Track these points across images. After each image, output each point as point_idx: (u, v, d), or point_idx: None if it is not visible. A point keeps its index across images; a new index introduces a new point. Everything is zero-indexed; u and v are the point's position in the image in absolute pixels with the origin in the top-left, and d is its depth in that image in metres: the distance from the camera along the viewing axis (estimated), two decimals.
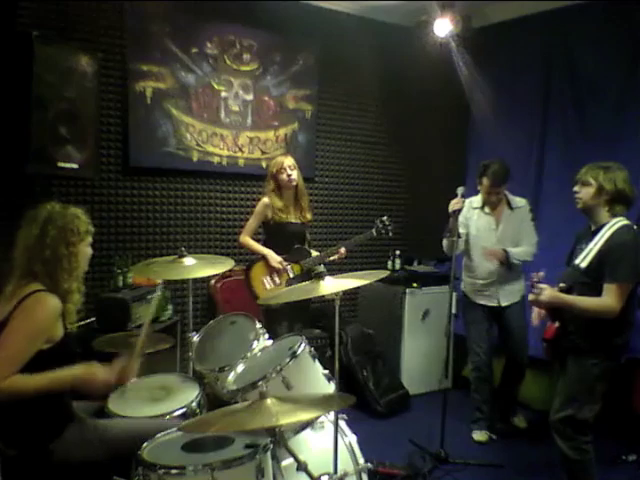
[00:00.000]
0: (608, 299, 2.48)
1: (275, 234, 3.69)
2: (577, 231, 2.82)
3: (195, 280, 3.03)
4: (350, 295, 4.91)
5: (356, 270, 2.93)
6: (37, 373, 1.96)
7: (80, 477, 2.07)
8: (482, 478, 3.30)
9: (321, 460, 2.25)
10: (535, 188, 4.42)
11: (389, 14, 4.79)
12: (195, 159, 4.24)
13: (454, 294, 3.51)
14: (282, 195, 3.67)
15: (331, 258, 3.70)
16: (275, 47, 4.49)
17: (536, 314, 2.82)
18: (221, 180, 4.40)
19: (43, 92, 3.02)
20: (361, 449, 2.47)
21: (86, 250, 2.22)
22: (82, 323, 2.32)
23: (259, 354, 2.56)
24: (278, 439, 1.89)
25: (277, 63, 4.52)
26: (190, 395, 2.49)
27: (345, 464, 2.33)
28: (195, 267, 2.83)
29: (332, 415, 2.37)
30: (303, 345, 2.30)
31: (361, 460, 2.42)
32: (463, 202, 3.51)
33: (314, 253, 3.73)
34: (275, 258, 3.61)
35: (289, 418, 1.72)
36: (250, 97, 4.43)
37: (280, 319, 3.56)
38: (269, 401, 1.76)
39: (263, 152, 4.52)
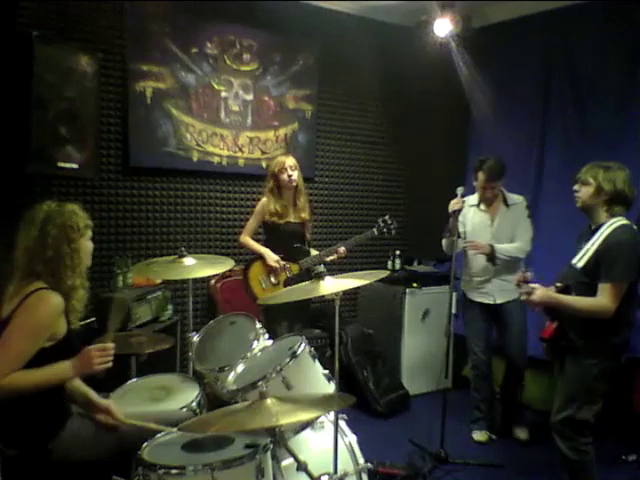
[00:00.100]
0: (603, 299, 2.48)
1: (274, 234, 3.69)
2: (577, 231, 2.82)
3: (195, 280, 3.04)
4: (350, 295, 4.91)
5: (356, 270, 2.93)
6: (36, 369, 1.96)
7: (80, 476, 2.07)
8: (482, 478, 3.30)
9: (321, 460, 2.25)
10: (535, 188, 4.41)
11: (389, 14, 4.79)
12: (195, 159, 4.24)
13: (454, 294, 3.50)
14: (282, 195, 3.67)
15: (330, 258, 3.69)
16: (275, 47, 4.49)
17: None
18: (221, 180, 4.40)
19: (43, 92, 3.02)
20: (361, 449, 2.47)
21: (87, 244, 2.22)
22: (82, 323, 2.31)
23: (259, 354, 2.56)
24: (278, 439, 1.89)
25: (277, 63, 4.52)
26: (190, 395, 2.49)
27: (345, 464, 2.34)
28: (195, 267, 2.83)
29: (332, 415, 2.37)
30: (303, 345, 2.30)
31: (361, 460, 2.42)
32: (463, 202, 3.51)
33: (313, 252, 3.73)
34: (272, 257, 3.61)
35: (289, 418, 1.72)
36: (250, 97, 4.43)
37: (280, 319, 3.56)
38: (269, 401, 1.76)
39: (263, 152, 4.52)
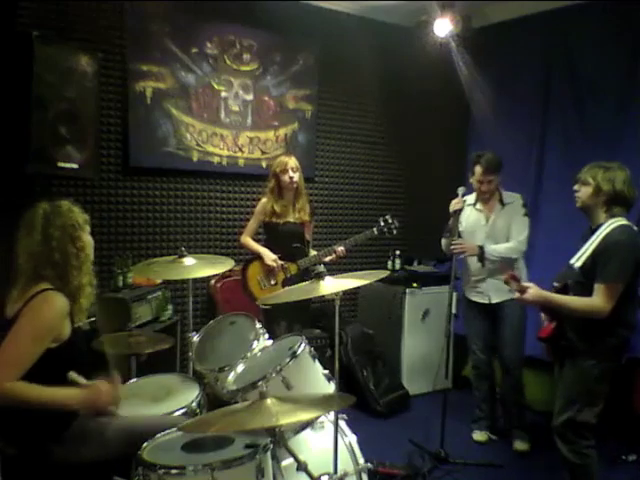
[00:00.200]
0: (596, 299, 2.47)
1: (274, 234, 3.69)
2: (578, 231, 2.81)
3: (195, 280, 3.03)
4: (350, 295, 4.91)
5: (356, 270, 2.93)
6: (42, 382, 1.94)
7: (80, 477, 2.07)
8: (482, 478, 3.29)
9: (321, 460, 2.25)
10: (535, 188, 4.41)
11: (389, 14, 4.79)
12: (195, 159, 4.24)
13: (454, 294, 3.50)
14: (282, 195, 3.67)
15: (328, 258, 3.67)
16: (275, 47, 4.49)
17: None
18: (221, 180, 4.40)
19: (43, 92, 3.02)
20: (361, 449, 2.47)
21: (89, 239, 2.21)
22: (88, 321, 2.31)
23: (259, 354, 2.56)
24: (278, 439, 1.89)
25: (277, 63, 4.52)
26: (190, 395, 2.49)
27: (345, 464, 2.33)
28: (195, 267, 2.83)
29: (332, 415, 2.37)
30: (303, 345, 2.30)
31: (361, 460, 2.42)
32: (463, 202, 3.51)
33: (312, 253, 3.73)
34: (270, 256, 3.60)
35: (289, 418, 1.72)
36: (250, 97, 4.43)
37: (280, 319, 3.56)
38: (269, 401, 1.76)
39: (263, 152, 4.52)
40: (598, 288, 2.47)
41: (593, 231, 2.60)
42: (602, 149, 3.80)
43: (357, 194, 5.09)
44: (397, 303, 4.50)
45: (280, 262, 3.61)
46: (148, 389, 2.59)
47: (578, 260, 2.58)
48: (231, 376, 2.43)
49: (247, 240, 3.71)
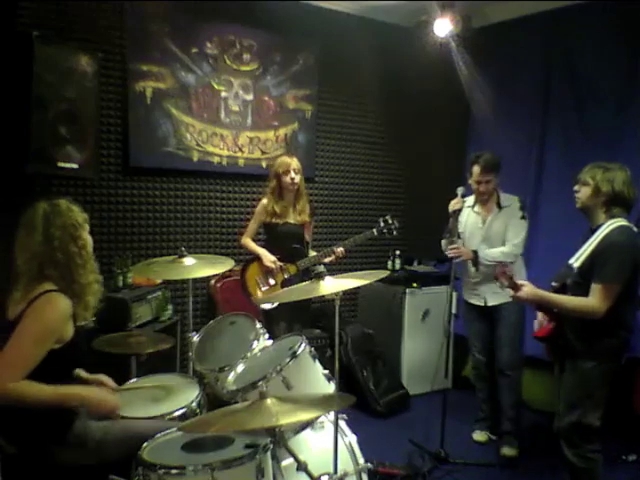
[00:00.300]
0: (592, 299, 2.46)
1: (273, 235, 3.69)
2: (578, 231, 2.81)
3: (195, 280, 3.03)
4: (350, 295, 4.91)
5: (356, 270, 2.93)
6: (45, 382, 1.94)
7: (80, 478, 2.07)
8: (482, 478, 3.30)
9: (321, 460, 2.24)
10: (535, 188, 4.41)
11: (389, 14, 4.79)
12: (195, 159, 4.24)
13: (454, 294, 3.49)
14: (282, 196, 3.67)
15: (328, 259, 3.66)
16: (275, 47, 4.49)
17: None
18: (221, 180, 4.40)
19: (43, 92, 3.02)
20: (361, 449, 2.47)
21: (89, 238, 2.21)
22: (86, 322, 2.31)
23: (259, 354, 2.56)
24: (278, 439, 1.89)
25: (277, 63, 4.52)
26: (190, 395, 2.49)
27: (345, 464, 2.33)
28: (195, 267, 2.83)
29: (332, 415, 2.36)
30: (303, 345, 2.30)
31: (361, 460, 2.42)
32: (463, 202, 3.50)
33: (312, 253, 3.73)
34: (269, 257, 3.60)
35: (289, 418, 1.72)
36: (250, 97, 4.43)
37: (280, 319, 3.56)
38: (269, 401, 1.76)
39: (263, 152, 4.52)
40: (595, 288, 2.46)
41: (593, 232, 2.59)
42: (602, 149, 3.80)
43: (357, 194, 5.09)
44: (397, 303, 4.50)
45: (279, 263, 3.61)
46: (148, 389, 2.59)
47: (577, 260, 2.57)
48: (231, 376, 2.43)
49: (247, 241, 3.71)
